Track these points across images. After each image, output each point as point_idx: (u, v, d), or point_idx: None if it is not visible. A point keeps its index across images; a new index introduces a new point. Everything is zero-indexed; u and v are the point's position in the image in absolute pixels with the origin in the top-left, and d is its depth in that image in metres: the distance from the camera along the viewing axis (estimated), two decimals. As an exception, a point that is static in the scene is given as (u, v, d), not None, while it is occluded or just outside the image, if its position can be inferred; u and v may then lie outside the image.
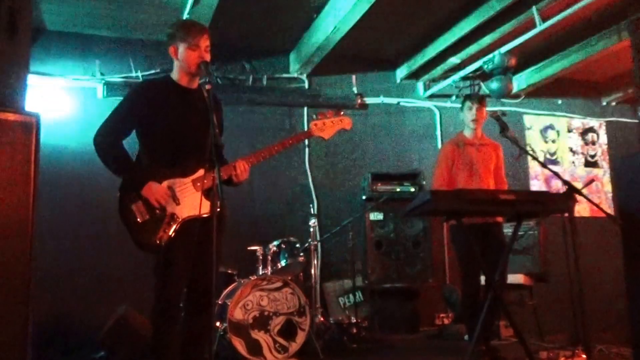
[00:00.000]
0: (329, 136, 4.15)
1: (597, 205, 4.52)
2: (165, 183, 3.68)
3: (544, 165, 5.20)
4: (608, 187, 9.49)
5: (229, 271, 6.10)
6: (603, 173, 9.54)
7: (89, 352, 6.08)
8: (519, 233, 5.33)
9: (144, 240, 3.62)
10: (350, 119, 4.19)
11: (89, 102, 7.22)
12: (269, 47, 8.07)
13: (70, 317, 6.60)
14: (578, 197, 4.39)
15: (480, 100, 5.69)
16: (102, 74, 7.24)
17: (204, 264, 3.63)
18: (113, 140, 3.73)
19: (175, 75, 3.88)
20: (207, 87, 3.50)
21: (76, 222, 6.92)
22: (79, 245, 6.86)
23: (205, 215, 3.58)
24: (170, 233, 3.64)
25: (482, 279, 5.44)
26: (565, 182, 4.37)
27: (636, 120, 9.09)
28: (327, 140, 4.21)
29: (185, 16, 6.37)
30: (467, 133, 5.72)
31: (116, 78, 7.29)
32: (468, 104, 5.67)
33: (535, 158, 5.32)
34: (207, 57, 3.75)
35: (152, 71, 7.29)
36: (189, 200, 3.69)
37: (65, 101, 7.19)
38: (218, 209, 3.35)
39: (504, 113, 5.06)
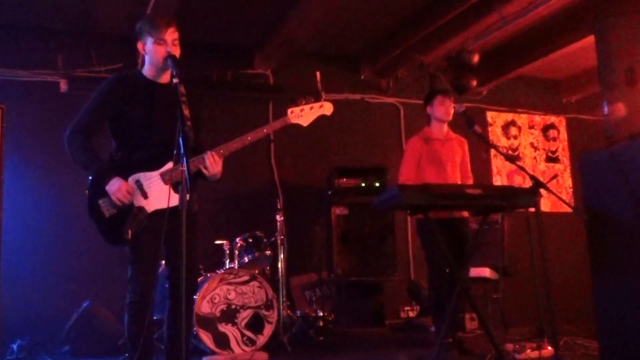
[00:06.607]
0: (307, 123, 3.94)
1: (563, 200, 4.60)
2: (132, 178, 3.66)
3: (511, 160, 5.28)
4: (569, 183, 9.65)
5: (195, 265, 6.09)
6: (564, 168, 9.70)
7: (53, 347, 6.03)
8: (484, 227, 5.39)
9: (113, 234, 3.63)
10: (331, 104, 3.98)
11: (51, 96, 7.11)
12: (233, 43, 8.03)
13: (35, 312, 6.50)
14: (543, 192, 4.48)
15: (450, 94, 5.74)
16: (64, 68, 7.13)
17: (177, 257, 3.61)
18: (84, 136, 3.69)
19: (145, 69, 3.85)
20: (175, 80, 3.45)
21: (40, 217, 6.85)
22: (43, 240, 6.80)
23: (173, 207, 3.49)
24: (138, 227, 3.62)
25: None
26: (531, 177, 4.44)
27: (596, 117, 9.25)
28: (305, 127, 3.94)
29: (149, 10, 6.31)
30: (434, 128, 5.73)
31: (79, 72, 7.18)
32: (439, 98, 5.66)
33: (502, 153, 5.40)
34: (176, 51, 3.69)
35: (116, 65, 7.19)
36: (157, 193, 3.67)
37: (27, 95, 7.05)
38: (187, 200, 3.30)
39: (465, 109, 5.11)
